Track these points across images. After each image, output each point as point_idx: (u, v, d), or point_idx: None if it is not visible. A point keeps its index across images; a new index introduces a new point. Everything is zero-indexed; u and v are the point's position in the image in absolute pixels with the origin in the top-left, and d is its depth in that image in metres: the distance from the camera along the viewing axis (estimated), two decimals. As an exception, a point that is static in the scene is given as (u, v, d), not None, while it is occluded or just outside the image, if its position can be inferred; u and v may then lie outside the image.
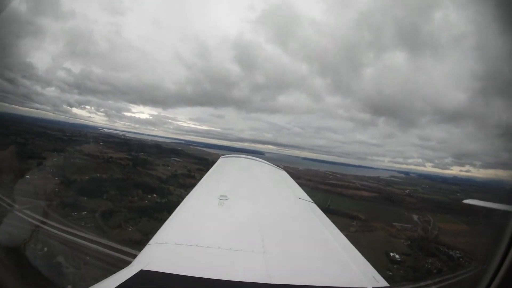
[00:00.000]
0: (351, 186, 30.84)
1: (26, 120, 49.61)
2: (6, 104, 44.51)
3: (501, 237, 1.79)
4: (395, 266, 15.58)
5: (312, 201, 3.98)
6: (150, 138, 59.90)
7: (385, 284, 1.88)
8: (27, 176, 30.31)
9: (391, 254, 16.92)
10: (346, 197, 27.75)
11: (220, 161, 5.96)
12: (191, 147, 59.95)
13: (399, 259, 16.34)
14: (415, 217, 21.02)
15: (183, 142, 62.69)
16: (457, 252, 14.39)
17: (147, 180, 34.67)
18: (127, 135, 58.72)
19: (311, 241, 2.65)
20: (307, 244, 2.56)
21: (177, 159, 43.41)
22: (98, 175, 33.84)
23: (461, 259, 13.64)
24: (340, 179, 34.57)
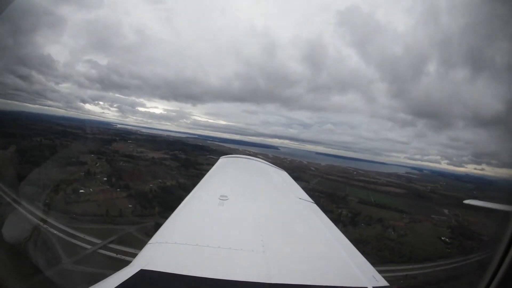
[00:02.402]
0: (379, 183, 37.59)
1: (42, 118, 45.79)
2: (17, 103, 40.41)
3: (501, 237, 1.86)
4: (448, 246, 23.23)
5: (313, 201, 4.05)
6: (165, 133, 59.96)
7: (385, 283, 1.96)
8: (81, 191, 28.70)
9: (442, 238, 23.69)
10: (382, 193, 33.96)
11: (221, 161, 5.99)
12: (209, 142, 61.75)
13: (449, 242, 23.32)
14: (445, 211, 28.88)
15: (197, 136, 63.73)
16: (485, 236, 22.51)
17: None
18: (141, 130, 57.99)
19: (311, 241, 2.71)
20: (307, 244, 2.61)
21: (213, 157, 45.64)
22: (161, 181, 33.35)
23: (489, 241, 21.60)
24: (365, 175, 41.91)
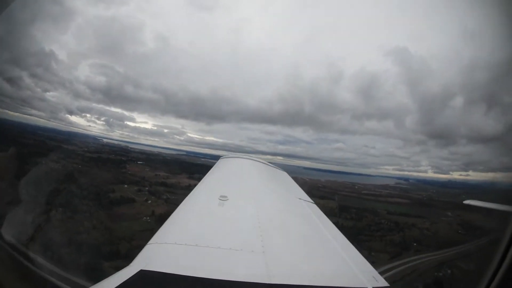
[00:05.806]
0: (383, 194, 45.14)
1: (27, 128, 34.31)
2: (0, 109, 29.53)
3: (500, 237, 1.93)
4: (465, 235, 30.50)
5: (312, 201, 4.15)
6: (155, 150, 54.07)
7: (385, 284, 2.02)
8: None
9: (459, 231, 31.59)
10: (393, 204, 41.34)
11: (221, 161, 6.03)
12: (203, 159, 58.38)
13: (464, 233, 30.92)
14: (449, 213, 36.51)
15: (185, 153, 59.32)
16: (486, 225, 31.78)
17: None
18: (130, 146, 50.84)
19: (311, 241, 2.75)
20: (307, 244, 2.65)
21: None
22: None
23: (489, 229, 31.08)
24: (366, 189, 48.81)
